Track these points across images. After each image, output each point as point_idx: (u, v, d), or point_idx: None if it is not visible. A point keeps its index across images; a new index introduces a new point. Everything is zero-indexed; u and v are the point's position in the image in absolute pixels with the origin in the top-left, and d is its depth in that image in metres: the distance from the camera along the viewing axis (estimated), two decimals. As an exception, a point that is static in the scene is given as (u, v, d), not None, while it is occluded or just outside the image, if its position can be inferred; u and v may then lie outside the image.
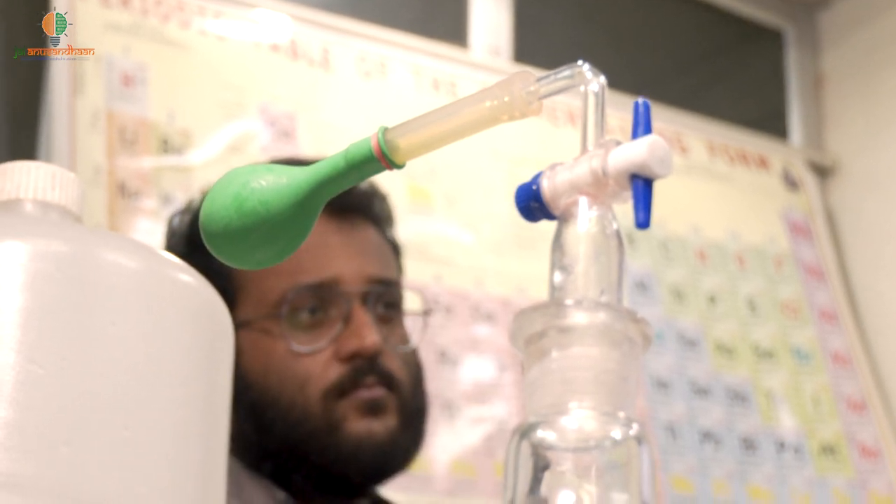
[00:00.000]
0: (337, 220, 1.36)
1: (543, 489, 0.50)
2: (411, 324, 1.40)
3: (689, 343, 2.48)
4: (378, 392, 1.30)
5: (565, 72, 0.54)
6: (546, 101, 0.55)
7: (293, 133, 2.17)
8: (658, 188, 0.52)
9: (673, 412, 2.39)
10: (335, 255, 1.34)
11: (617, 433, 0.50)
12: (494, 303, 2.27)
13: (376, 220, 1.41)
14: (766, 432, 2.49)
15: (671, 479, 2.33)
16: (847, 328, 2.69)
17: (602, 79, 0.54)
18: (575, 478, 0.50)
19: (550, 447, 0.50)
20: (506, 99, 0.54)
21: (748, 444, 2.45)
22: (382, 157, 0.56)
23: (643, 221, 0.50)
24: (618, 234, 0.52)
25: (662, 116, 2.63)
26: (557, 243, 0.52)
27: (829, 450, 2.53)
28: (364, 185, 1.41)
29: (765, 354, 2.56)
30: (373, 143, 0.56)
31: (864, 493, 2.53)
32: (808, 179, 2.84)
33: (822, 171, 2.89)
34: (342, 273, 1.33)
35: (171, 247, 1.37)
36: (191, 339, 0.59)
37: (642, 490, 0.50)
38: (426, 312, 1.44)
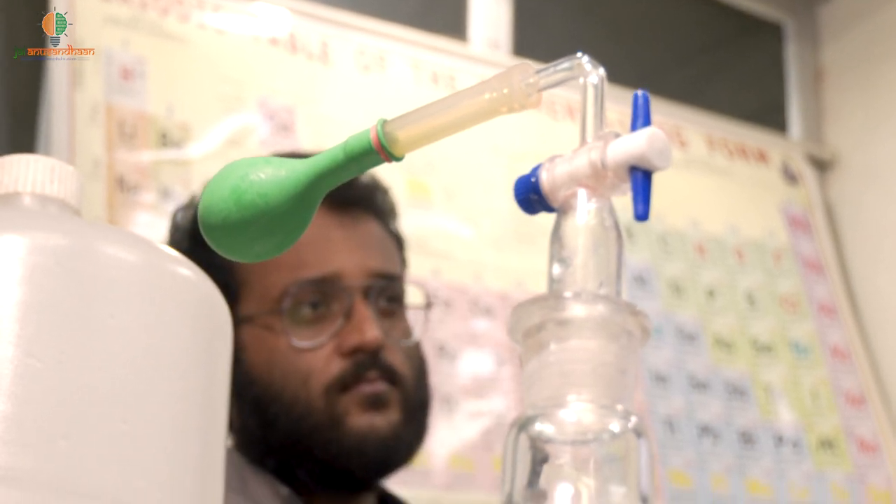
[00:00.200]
0: (338, 214, 1.36)
1: (542, 482, 0.50)
2: (414, 317, 1.40)
3: (688, 337, 2.48)
4: (380, 386, 1.30)
5: (564, 64, 0.54)
6: (545, 96, 0.55)
7: (292, 126, 2.17)
8: (657, 182, 0.52)
9: (671, 406, 2.39)
10: (337, 249, 1.34)
11: (615, 426, 0.50)
12: (493, 297, 2.27)
13: (379, 214, 1.41)
14: (765, 426, 2.49)
15: (669, 473, 2.33)
16: (846, 322, 2.69)
17: (601, 71, 0.53)
18: (573, 471, 0.50)
19: (549, 440, 0.50)
20: (505, 91, 0.54)
21: (747, 438, 2.46)
22: (381, 150, 0.56)
23: (642, 213, 0.50)
24: (616, 226, 0.52)
25: (662, 110, 2.63)
26: (556, 236, 0.52)
27: (827, 444, 2.54)
28: (366, 178, 1.41)
29: (763, 348, 2.56)
30: (372, 136, 0.56)
31: (862, 487, 2.53)
32: (808, 173, 2.84)
33: (822, 165, 2.89)
34: (344, 267, 1.33)
35: (175, 242, 1.37)
36: (189, 332, 0.59)
37: (640, 483, 0.50)
38: (428, 306, 1.44)
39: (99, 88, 1.97)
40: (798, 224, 2.76)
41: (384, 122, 0.56)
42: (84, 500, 0.53)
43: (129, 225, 1.90)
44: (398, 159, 0.56)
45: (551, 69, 0.54)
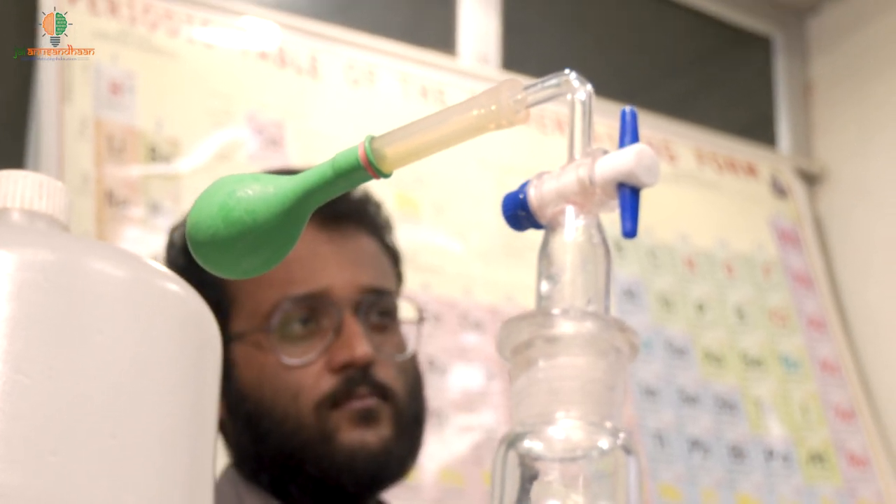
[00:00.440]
0: (328, 229, 1.35)
1: (531, 499, 0.50)
2: (407, 332, 1.40)
3: (678, 351, 2.48)
4: (371, 402, 1.30)
5: (552, 80, 0.54)
6: (534, 110, 0.55)
7: (281, 141, 2.17)
8: (646, 196, 0.52)
9: (661, 420, 2.39)
10: (326, 265, 1.34)
11: (604, 443, 0.50)
12: (483, 311, 2.27)
13: (371, 228, 1.40)
14: (755, 440, 2.49)
15: (659, 488, 2.33)
16: (835, 336, 2.70)
17: (589, 87, 0.54)
18: (562, 488, 0.50)
19: (537, 457, 0.50)
20: (493, 107, 0.54)
21: (737, 453, 2.46)
22: (369, 166, 0.56)
23: (630, 231, 0.50)
24: (605, 243, 0.52)
25: (651, 124, 2.63)
26: (544, 252, 0.52)
27: (817, 458, 2.54)
28: (358, 192, 1.40)
29: (753, 362, 2.56)
30: (360, 152, 0.56)
31: (852, 501, 2.53)
32: (797, 187, 2.84)
33: (811, 179, 2.89)
34: (333, 283, 1.33)
35: (170, 259, 1.37)
36: (178, 348, 0.59)
37: (629, 500, 0.50)
38: (420, 321, 1.43)
39: (88, 103, 1.97)
40: (787, 238, 2.77)
41: (372, 139, 0.56)
42: (72, 516, 0.53)
43: (119, 239, 1.90)
44: (386, 176, 0.56)
45: (539, 86, 0.54)
